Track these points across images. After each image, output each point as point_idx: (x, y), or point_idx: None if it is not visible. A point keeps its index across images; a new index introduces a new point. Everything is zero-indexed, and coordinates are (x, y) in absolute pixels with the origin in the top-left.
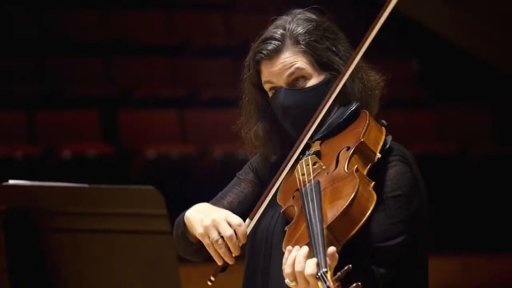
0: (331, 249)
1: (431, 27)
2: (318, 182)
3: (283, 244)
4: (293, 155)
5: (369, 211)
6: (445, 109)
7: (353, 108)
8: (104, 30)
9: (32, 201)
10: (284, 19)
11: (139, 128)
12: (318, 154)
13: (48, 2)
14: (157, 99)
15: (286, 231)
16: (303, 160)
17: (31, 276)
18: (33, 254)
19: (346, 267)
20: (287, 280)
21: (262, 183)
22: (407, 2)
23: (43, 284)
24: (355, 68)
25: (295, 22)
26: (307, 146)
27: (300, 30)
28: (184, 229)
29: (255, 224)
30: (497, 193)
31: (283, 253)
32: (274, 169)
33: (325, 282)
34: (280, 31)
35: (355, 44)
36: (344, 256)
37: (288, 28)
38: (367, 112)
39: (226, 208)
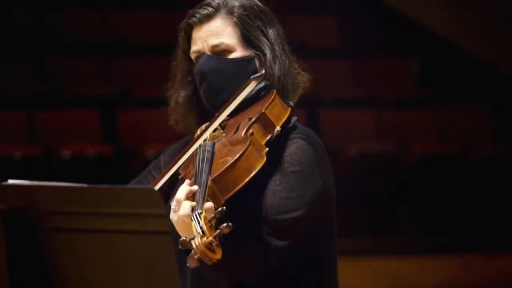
0: (208, 204)
1: (431, 27)
2: (213, 143)
3: None
4: (202, 134)
5: (256, 170)
6: (445, 109)
7: (262, 85)
8: (104, 30)
9: (32, 201)
10: None
11: (139, 128)
12: (221, 125)
13: (48, 2)
14: (157, 99)
15: None
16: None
17: (31, 276)
18: (32, 254)
19: (225, 224)
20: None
21: None
22: (407, 2)
23: (43, 284)
24: (282, 55)
25: None
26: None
27: (236, 3)
28: None
29: None
30: (497, 193)
31: None
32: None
33: (198, 223)
34: (217, 0)
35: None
36: (242, 225)
37: (226, 0)
38: (275, 91)
39: None
